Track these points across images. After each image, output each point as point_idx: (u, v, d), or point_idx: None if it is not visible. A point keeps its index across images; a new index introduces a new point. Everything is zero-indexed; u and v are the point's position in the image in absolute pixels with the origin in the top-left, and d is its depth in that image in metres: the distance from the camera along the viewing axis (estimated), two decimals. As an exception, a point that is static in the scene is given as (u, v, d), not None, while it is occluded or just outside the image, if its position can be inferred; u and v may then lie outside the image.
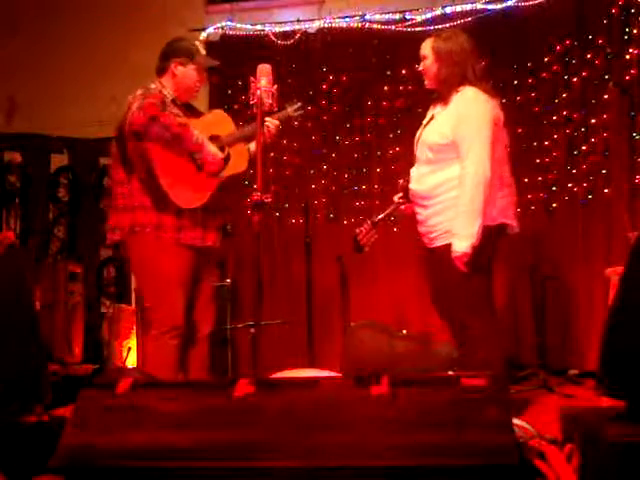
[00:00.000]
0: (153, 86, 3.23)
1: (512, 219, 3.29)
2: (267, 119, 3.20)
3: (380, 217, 3.56)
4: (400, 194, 3.50)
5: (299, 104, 3.53)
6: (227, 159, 3.24)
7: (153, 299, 3.21)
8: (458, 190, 3.11)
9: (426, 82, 3.34)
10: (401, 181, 3.53)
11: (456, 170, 3.14)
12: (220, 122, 3.34)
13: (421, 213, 3.32)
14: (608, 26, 5.22)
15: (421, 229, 3.34)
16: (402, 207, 3.52)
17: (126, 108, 3.11)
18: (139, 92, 3.13)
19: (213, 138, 3.26)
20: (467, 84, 3.19)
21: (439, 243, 3.23)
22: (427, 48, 3.30)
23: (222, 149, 3.24)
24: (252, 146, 3.36)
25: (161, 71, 3.31)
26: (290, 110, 3.50)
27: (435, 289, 3.38)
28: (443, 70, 3.21)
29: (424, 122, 3.37)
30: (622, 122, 5.14)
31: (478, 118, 3.13)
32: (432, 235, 3.26)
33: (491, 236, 3.17)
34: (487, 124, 3.14)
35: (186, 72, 3.28)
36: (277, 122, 3.33)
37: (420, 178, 3.28)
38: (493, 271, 3.36)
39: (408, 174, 3.44)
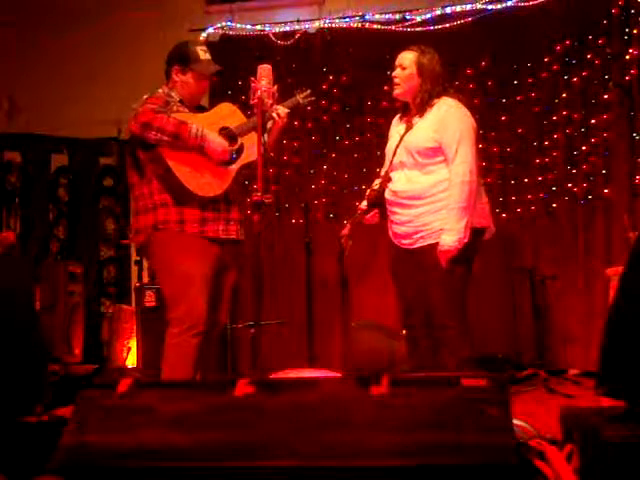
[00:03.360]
0: (160, 90, 3.25)
1: (491, 223, 3.44)
2: (277, 107, 3.23)
3: (350, 225, 3.58)
4: (366, 204, 3.54)
5: (308, 91, 3.53)
6: (240, 149, 3.25)
7: (174, 296, 3.14)
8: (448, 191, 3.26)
9: (397, 90, 3.42)
10: (368, 191, 3.57)
11: (446, 173, 3.28)
12: (229, 114, 3.34)
13: (405, 214, 3.36)
14: (608, 26, 5.23)
15: (401, 229, 3.38)
16: (368, 216, 3.55)
17: (132, 113, 3.12)
18: (144, 97, 3.15)
19: (223, 130, 3.26)
20: (444, 96, 3.35)
21: (426, 242, 3.29)
22: (408, 60, 3.39)
23: (235, 139, 3.25)
24: (266, 137, 3.35)
25: (167, 75, 3.32)
26: (299, 97, 3.49)
27: (413, 290, 3.40)
28: (425, 85, 3.33)
29: (399, 131, 3.45)
30: (622, 122, 5.15)
31: (462, 123, 3.30)
32: (419, 234, 3.31)
33: (474, 237, 3.29)
34: (470, 130, 3.31)
35: (185, 80, 3.27)
36: (287, 110, 3.33)
37: (409, 180, 3.35)
38: (472, 272, 3.42)
39: (372, 182, 3.59)
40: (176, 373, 3.06)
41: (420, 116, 3.36)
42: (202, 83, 3.33)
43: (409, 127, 3.40)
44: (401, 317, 3.58)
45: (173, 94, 3.26)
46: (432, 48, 3.43)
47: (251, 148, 3.25)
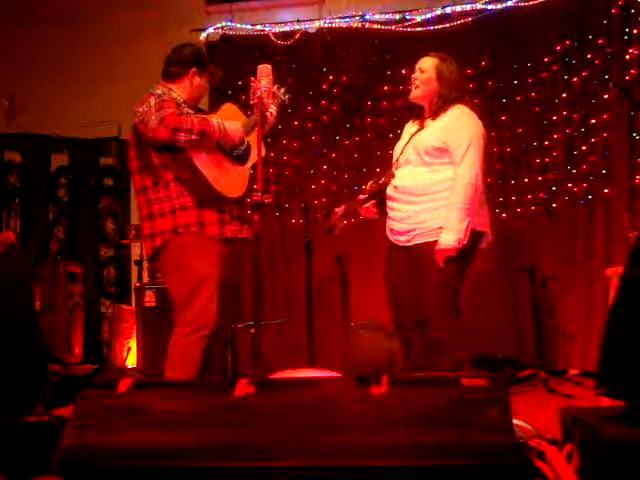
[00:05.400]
0: (159, 91, 3.15)
1: (489, 230, 3.45)
2: (270, 105, 3.25)
3: (345, 207, 3.66)
4: (366, 195, 3.59)
5: (283, 88, 3.47)
6: (248, 149, 3.27)
7: (188, 298, 3.11)
8: (451, 191, 3.27)
9: (416, 92, 3.45)
10: (370, 183, 3.63)
11: (451, 173, 3.30)
12: (232, 115, 3.35)
13: (404, 210, 3.38)
14: (608, 26, 5.23)
15: (398, 226, 3.40)
16: (365, 205, 3.58)
17: (137, 117, 3.05)
18: (152, 101, 3.04)
19: None
20: (458, 103, 3.39)
21: (422, 240, 3.30)
22: (429, 65, 3.44)
23: (242, 141, 3.26)
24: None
25: (175, 76, 3.25)
26: (280, 95, 3.45)
27: (406, 288, 3.40)
28: (443, 90, 3.39)
29: (410, 132, 3.49)
30: (622, 122, 5.15)
31: (472, 130, 3.34)
32: (415, 232, 3.32)
33: (473, 240, 3.30)
34: (479, 134, 3.35)
35: (200, 83, 3.29)
36: (275, 107, 3.35)
37: (413, 176, 3.37)
38: (467, 276, 3.42)
39: (375, 177, 3.64)
40: (181, 374, 3.04)
41: (433, 119, 3.40)
42: (206, 86, 3.38)
43: (420, 128, 3.45)
44: (391, 315, 3.57)
45: (175, 95, 3.21)
46: (451, 57, 3.48)
47: (254, 149, 3.27)
